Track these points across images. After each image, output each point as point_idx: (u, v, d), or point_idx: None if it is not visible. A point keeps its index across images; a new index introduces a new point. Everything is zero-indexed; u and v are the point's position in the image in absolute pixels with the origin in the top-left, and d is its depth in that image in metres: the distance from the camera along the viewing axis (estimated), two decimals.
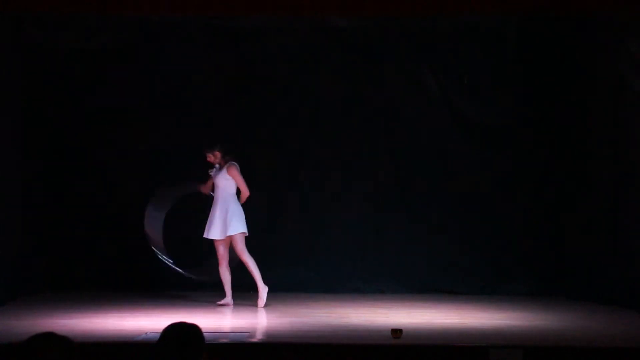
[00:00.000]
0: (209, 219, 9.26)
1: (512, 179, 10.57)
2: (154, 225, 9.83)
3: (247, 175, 10.40)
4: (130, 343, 6.80)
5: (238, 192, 9.31)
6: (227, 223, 9.15)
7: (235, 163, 9.30)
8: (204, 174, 9.48)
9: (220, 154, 9.32)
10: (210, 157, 9.35)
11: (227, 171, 9.25)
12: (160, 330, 3.29)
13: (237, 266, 9.45)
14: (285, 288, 10.35)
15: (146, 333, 7.11)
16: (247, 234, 9.22)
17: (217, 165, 9.36)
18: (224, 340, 6.81)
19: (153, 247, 9.79)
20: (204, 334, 3.34)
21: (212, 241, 9.33)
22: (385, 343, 6.92)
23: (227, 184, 9.26)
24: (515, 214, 10.56)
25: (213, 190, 9.43)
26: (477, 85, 10.56)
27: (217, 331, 7.49)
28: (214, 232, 9.22)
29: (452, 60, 10.57)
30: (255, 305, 9.17)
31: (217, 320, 8.14)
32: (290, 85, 10.61)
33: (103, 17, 9.66)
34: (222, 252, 9.29)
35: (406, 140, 10.52)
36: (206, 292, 10.28)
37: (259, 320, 8.33)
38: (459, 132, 10.54)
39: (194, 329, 3.29)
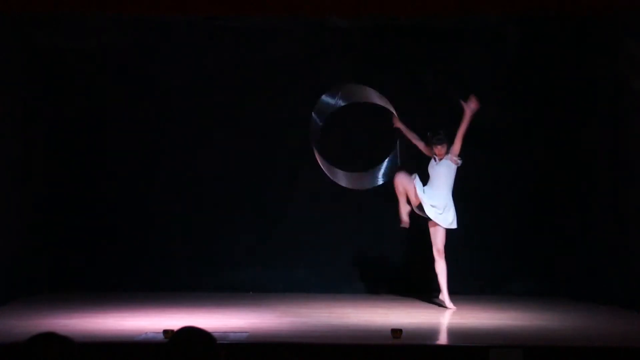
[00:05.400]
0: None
1: (512, 179, 10.57)
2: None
3: (248, 174, 10.44)
4: (130, 343, 6.79)
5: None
6: (444, 212, 9.08)
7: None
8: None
9: (447, 144, 9.12)
10: (439, 149, 9.13)
11: (451, 159, 9.11)
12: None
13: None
14: (285, 288, 10.36)
15: (146, 333, 7.10)
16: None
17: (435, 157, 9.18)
18: (224, 341, 6.80)
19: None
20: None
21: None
22: (385, 343, 6.92)
23: (450, 173, 9.14)
24: (515, 214, 10.56)
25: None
26: (476, 86, 10.54)
27: (217, 331, 7.48)
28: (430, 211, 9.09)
29: (452, 60, 10.57)
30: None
31: (217, 320, 8.12)
32: (290, 85, 10.61)
33: (103, 17, 9.66)
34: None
35: (406, 140, 10.51)
36: (206, 292, 10.29)
37: (259, 320, 8.32)
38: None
39: (209, 337, 3.15)
